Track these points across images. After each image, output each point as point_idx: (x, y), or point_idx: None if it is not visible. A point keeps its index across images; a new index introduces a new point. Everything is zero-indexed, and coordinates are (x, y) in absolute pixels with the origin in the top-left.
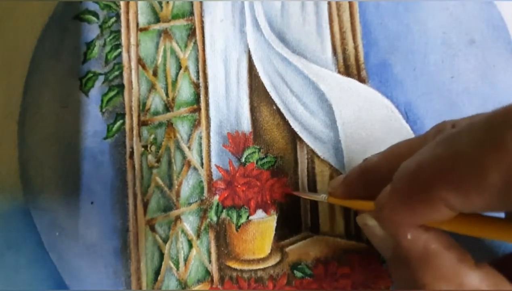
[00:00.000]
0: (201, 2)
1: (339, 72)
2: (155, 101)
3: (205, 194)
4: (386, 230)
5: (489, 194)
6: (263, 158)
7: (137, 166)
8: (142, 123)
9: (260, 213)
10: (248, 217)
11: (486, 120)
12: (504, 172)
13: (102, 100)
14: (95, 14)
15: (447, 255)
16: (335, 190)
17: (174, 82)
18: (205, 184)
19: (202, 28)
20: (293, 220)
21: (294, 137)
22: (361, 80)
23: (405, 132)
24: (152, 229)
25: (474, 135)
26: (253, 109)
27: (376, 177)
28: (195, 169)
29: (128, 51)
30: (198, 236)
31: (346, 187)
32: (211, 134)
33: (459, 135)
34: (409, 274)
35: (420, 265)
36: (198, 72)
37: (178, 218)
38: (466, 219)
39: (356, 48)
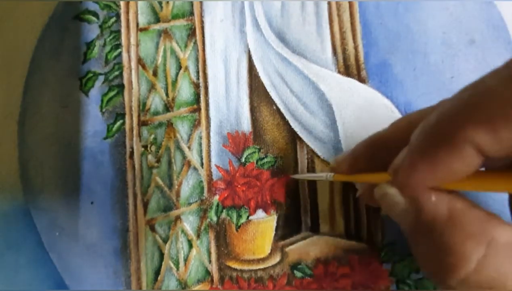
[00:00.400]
0: (201, 2)
1: (339, 72)
2: (155, 101)
3: (205, 194)
4: (407, 197)
5: None
6: (263, 158)
7: (137, 166)
8: (142, 123)
9: (260, 213)
10: (248, 217)
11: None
12: None
13: (102, 100)
14: (95, 14)
15: (474, 213)
16: (339, 165)
17: (174, 82)
18: (205, 184)
19: (202, 28)
20: (293, 220)
21: (294, 137)
22: (361, 80)
23: None
24: (152, 229)
25: (500, 74)
26: (253, 109)
27: (384, 149)
28: (195, 169)
29: (128, 51)
30: (198, 236)
31: (352, 161)
32: (211, 134)
33: (484, 78)
34: (435, 239)
35: (447, 226)
36: (198, 72)
37: (178, 218)
38: (484, 175)
39: (356, 48)
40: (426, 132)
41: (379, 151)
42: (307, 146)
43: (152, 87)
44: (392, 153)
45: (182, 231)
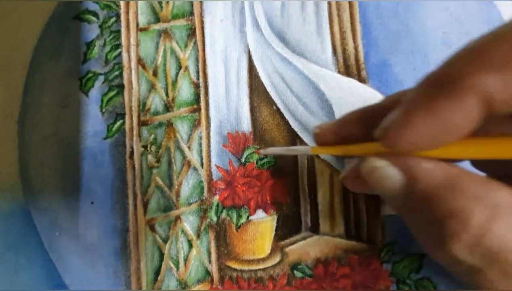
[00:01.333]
0: (201, 2)
1: (339, 72)
2: (155, 101)
3: (205, 194)
4: (399, 167)
5: None
6: (263, 158)
7: (137, 166)
8: (142, 123)
9: (260, 213)
10: (248, 217)
11: None
12: None
13: (102, 100)
14: (95, 14)
15: (471, 176)
16: (323, 133)
17: (174, 82)
18: (205, 184)
19: (202, 28)
20: (293, 220)
21: (294, 137)
22: (361, 80)
23: None
24: (152, 229)
25: (509, 23)
26: (253, 109)
27: (376, 119)
28: (195, 169)
29: (128, 51)
30: (198, 236)
31: (338, 128)
32: (211, 134)
33: (491, 30)
34: (433, 208)
35: (447, 192)
36: (198, 72)
37: (178, 218)
38: (475, 140)
39: (356, 48)
40: (424, 81)
41: (370, 121)
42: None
43: (152, 87)
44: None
45: (182, 231)
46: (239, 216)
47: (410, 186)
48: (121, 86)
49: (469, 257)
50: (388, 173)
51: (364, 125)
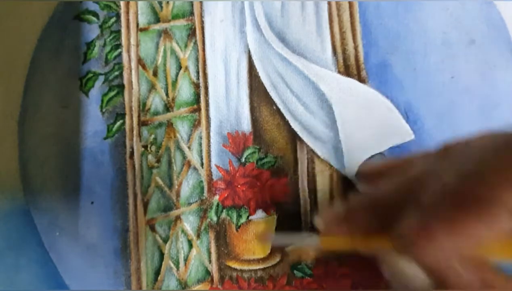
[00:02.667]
0: (201, 2)
1: (339, 72)
2: (155, 101)
3: (205, 194)
4: (426, 269)
5: None
6: (263, 158)
7: (137, 166)
8: (142, 123)
9: (260, 213)
10: (248, 217)
11: None
12: None
13: (102, 100)
14: (95, 14)
15: (506, 280)
16: (328, 227)
17: (174, 82)
18: (205, 184)
19: (202, 28)
20: (293, 220)
21: (294, 137)
22: (361, 80)
23: (405, 132)
24: (152, 229)
25: None
26: (253, 109)
27: (386, 209)
28: (195, 169)
29: (128, 51)
30: (198, 236)
31: (347, 219)
32: (211, 134)
33: (499, 132)
34: None
35: None
36: (198, 72)
37: (178, 218)
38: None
39: (356, 48)
40: (446, 193)
41: (379, 211)
42: (307, 146)
43: (152, 87)
44: (396, 210)
45: (182, 231)
46: (239, 216)
47: (440, 287)
48: (121, 86)
49: None
50: (415, 273)
51: (372, 215)
